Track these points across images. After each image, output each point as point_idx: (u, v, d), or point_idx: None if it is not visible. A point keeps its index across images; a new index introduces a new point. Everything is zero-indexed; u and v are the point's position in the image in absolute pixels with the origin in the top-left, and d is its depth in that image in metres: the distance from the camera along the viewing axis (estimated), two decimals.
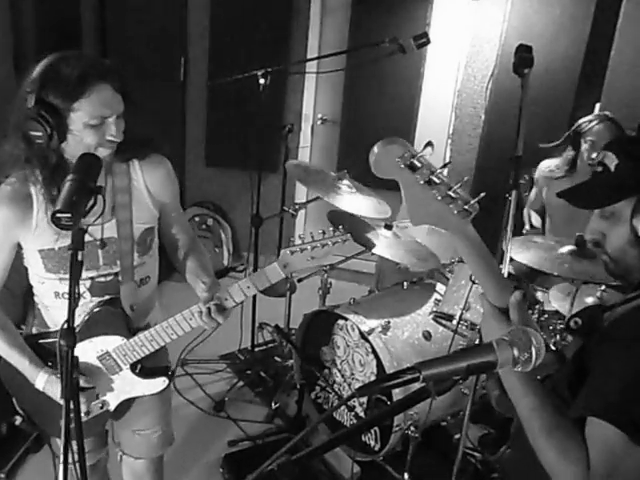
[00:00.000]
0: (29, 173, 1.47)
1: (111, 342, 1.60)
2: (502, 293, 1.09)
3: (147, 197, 1.62)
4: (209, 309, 1.53)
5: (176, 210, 1.74)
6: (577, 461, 1.01)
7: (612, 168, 1.09)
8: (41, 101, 1.37)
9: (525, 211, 3.17)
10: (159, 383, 1.68)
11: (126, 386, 1.66)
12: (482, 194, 1.02)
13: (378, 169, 1.00)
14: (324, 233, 1.46)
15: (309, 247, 1.44)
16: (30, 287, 1.67)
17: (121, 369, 1.63)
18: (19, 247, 1.57)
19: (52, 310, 1.65)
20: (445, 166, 0.90)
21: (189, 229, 1.81)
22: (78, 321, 1.61)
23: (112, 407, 1.70)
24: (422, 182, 0.99)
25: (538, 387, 1.06)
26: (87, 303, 1.63)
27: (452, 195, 0.99)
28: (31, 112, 1.37)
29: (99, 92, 1.39)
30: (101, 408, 1.67)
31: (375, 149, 1.00)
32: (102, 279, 1.61)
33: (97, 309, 1.59)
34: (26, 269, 1.62)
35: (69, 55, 1.41)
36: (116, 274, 1.62)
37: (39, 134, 1.39)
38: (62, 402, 1.59)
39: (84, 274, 1.58)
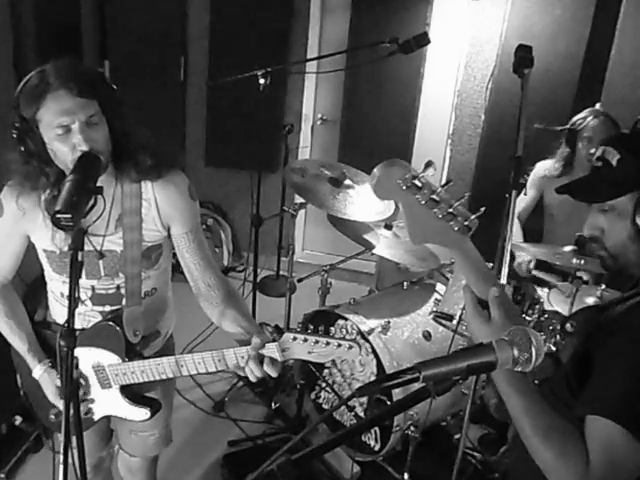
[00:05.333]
0: (35, 184, 1.46)
1: (108, 358, 1.56)
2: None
3: (157, 218, 1.56)
4: (262, 358, 1.38)
5: (192, 232, 1.61)
6: (576, 460, 1.00)
7: (614, 163, 1.09)
8: (20, 117, 1.37)
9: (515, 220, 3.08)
10: (140, 413, 1.61)
11: (112, 403, 1.63)
12: (482, 209, 1.02)
13: (379, 191, 1.00)
14: (333, 336, 1.36)
15: (313, 340, 1.34)
16: (42, 276, 1.67)
17: (111, 386, 1.60)
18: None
19: (58, 307, 1.67)
20: (446, 184, 0.90)
21: (207, 255, 1.65)
22: (77, 323, 1.62)
23: (96, 418, 1.67)
24: (423, 202, 0.99)
25: (529, 387, 1.06)
26: (88, 311, 1.63)
27: (453, 212, 1.00)
28: (13, 129, 1.38)
29: (54, 100, 1.34)
30: (85, 414, 1.65)
31: (376, 172, 0.99)
32: (103, 291, 1.60)
33: (102, 322, 1.58)
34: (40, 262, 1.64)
35: (51, 64, 1.38)
36: (118, 287, 1.60)
37: (28, 150, 1.40)
38: (51, 397, 1.62)
39: (86, 282, 1.59)
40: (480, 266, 1.06)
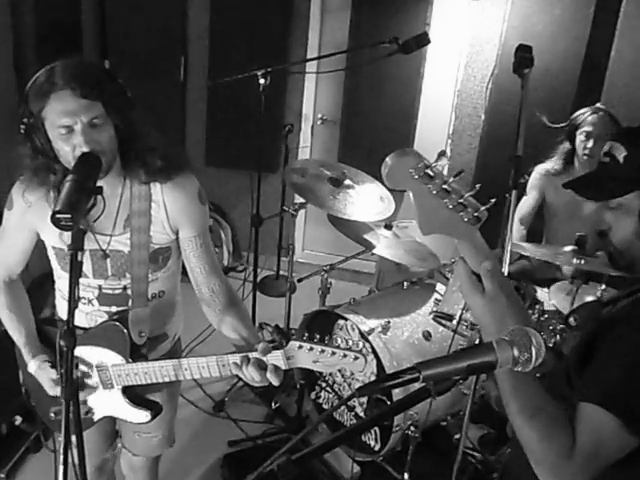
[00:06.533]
0: (43, 179, 1.47)
1: (111, 358, 1.56)
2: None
3: (165, 221, 1.55)
4: (265, 366, 1.37)
5: (199, 236, 1.60)
6: (561, 443, 1.01)
7: (621, 159, 1.09)
8: (29, 112, 1.37)
9: (516, 222, 3.05)
10: (141, 416, 1.61)
11: (113, 404, 1.62)
12: (492, 200, 1.01)
13: (391, 180, 0.99)
14: (339, 345, 1.34)
15: (319, 350, 1.32)
16: (51, 275, 1.67)
17: (113, 387, 1.59)
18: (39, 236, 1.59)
19: (65, 306, 1.66)
20: (458, 175, 0.89)
21: (213, 261, 1.64)
22: (84, 323, 1.63)
23: (95, 418, 1.67)
24: (435, 192, 0.99)
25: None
26: (95, 310, 1.63)
27: (463, 203, 1.00)
28: (22, 124, 1.38)
29: (57, 100, 1.33)
30: (85, 414, 1.64)
31: (388, 161, 0.99)
32: (110, 291, 1.60)
33: (107, 322, 1.57)
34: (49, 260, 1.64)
35: (60, 62, 1.38)
36: (124, 288, 1.59)
37: (34, 146, 1.40)
38: (50, 390, 1.61)
39: (93, 281, 1.59)
40: (488, 258, 1.06)
